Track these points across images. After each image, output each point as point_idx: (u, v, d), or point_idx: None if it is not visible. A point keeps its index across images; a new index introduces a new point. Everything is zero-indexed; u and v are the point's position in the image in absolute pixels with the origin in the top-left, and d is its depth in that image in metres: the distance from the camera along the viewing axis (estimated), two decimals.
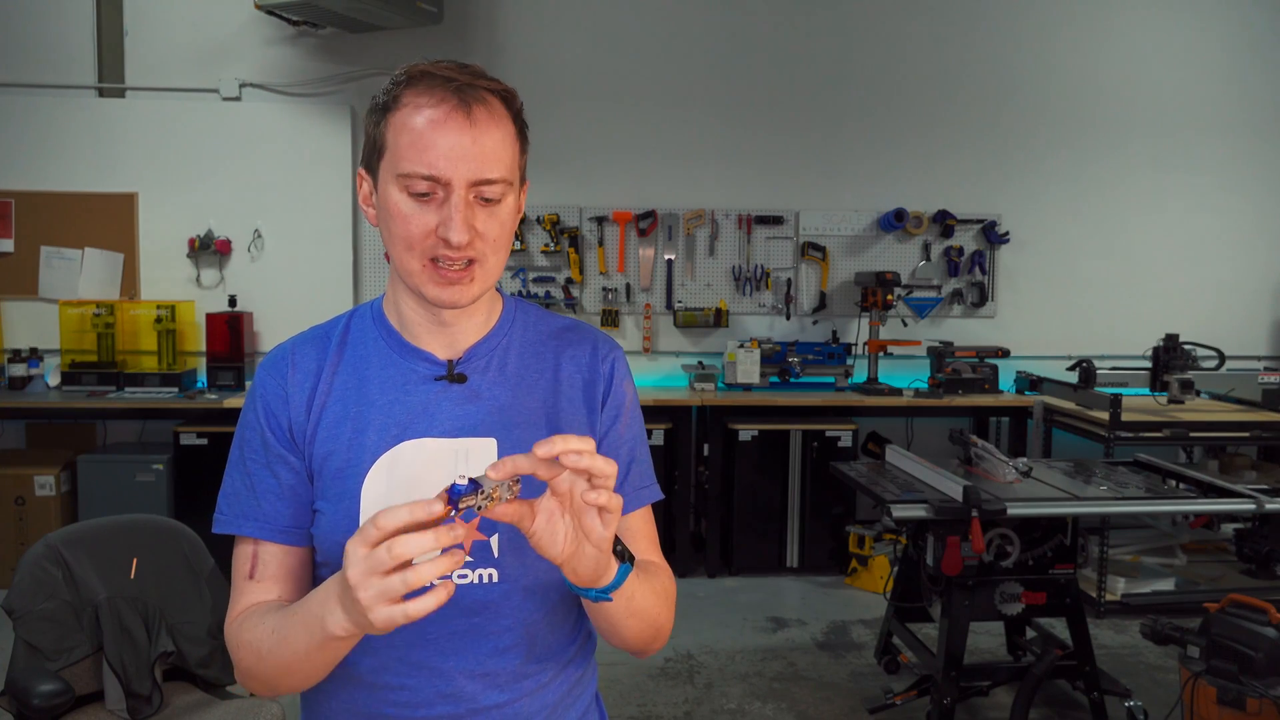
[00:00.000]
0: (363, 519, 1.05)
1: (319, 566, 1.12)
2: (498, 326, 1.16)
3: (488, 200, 1.04)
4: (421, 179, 1.01)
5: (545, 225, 5.04)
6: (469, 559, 1.07)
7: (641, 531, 1.20)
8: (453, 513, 0.84)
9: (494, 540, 1.08)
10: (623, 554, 0.99)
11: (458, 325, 1.12)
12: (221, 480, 1.13)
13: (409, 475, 1.06)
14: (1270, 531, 4.13)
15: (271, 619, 1.03)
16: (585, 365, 1.17)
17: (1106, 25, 5.34)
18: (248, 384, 4.67)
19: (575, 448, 0.87)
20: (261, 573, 1.09)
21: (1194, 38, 5.38)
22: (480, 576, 1.08)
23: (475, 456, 1.01)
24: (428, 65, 1.04)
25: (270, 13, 4.57)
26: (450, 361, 1.12)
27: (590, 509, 0.91)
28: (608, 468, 0.89)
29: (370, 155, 1.07)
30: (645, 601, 1.07)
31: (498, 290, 1.20)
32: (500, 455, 1.08)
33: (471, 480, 0.86)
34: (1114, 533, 4.44)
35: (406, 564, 0.83)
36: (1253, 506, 2.96)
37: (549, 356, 1.17)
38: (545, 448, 0.86)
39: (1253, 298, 5.50)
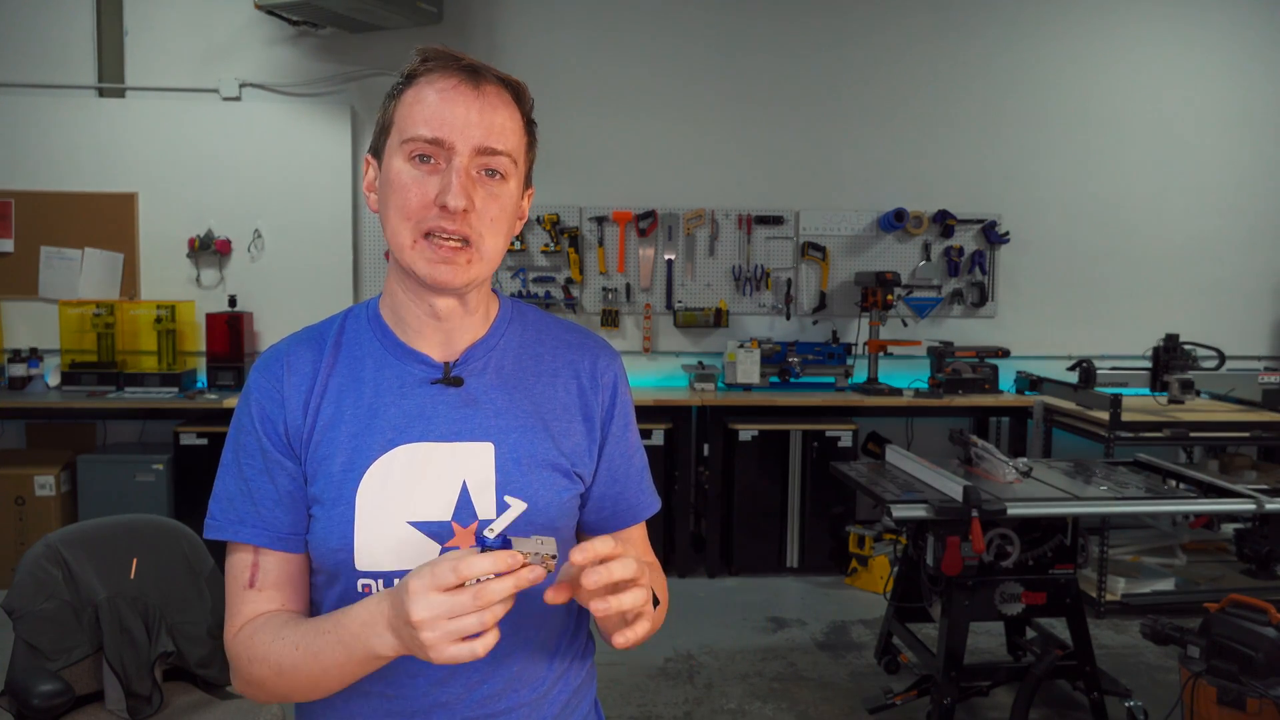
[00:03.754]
0: (358, 524, 1.04)
1: (313, 573, 1.11)
2: (495, 327, 1.14)
3: (490, 175, 1.03)
4: (425, 142, 1.01)
5: (545, 225, 5.04)
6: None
7: (638, 539, 1.23)
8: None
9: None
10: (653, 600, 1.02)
11: (454, 321, 1.10)
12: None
13: (404, 481, 1.05)
14: (1270, 531, 4.12)
15: (292, 633, 1.01)
16: (586, 373, 1.16)
17: (1106, 25, 5.34)
18: None
19: (602, 553, 0.91)
20: (263, 581, 1.07)
21: (1193, 38, 5.38)
22: (508, 507, 1.07)
23: (513, 509, 1.01)
24: (441, 47, 1.05)
25: (270, 13, 4.58)
26: (447, 364, 1.10)
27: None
28: (627, 571, 0.92)
29: (378, 137, 1.08)
30: (656, 618, 1.09)
31: (495, 292, 1.18)
32: (497, 460, 1.08)
33: (502, 536, 0.91)
34: (1114, 533, 4.45)
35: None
36: (1253, 506, 2.96)
37: (547, 360, 1.15)
38: (581, 555, 0.91)
39: (1253, 298, 5.50)
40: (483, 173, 1.03)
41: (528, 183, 1.13)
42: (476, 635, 0.87)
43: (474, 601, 0.85)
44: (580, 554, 0.90)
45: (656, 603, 1.03)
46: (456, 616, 0.86)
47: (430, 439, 1.06)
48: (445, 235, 1.02)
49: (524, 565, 0.88)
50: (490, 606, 0.86)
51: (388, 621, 0.92)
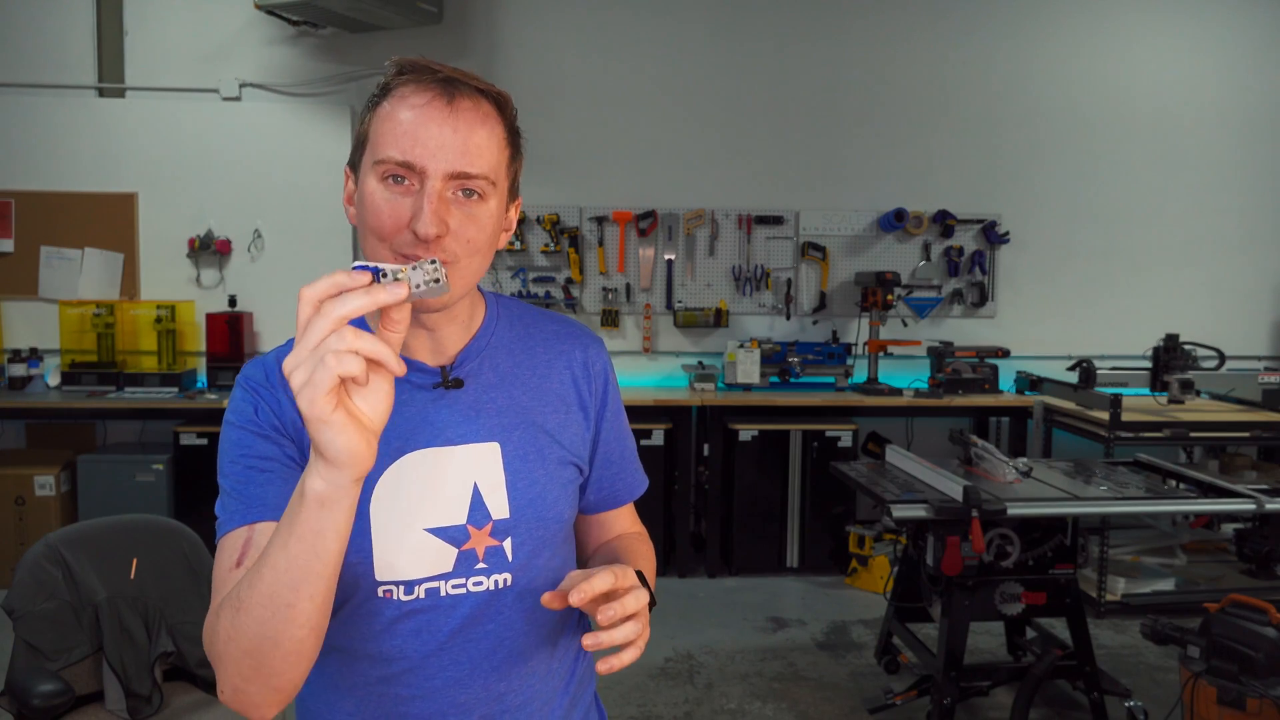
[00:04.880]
0: (375, 535, 1.03)
1: None
2: (484, 327, 1.14)
3: (468, 195, 0.99)
4: (396, 164, 0.97)
5: (545, 225, 5.04)
6: (483, 565, 1.06)
7: (626, 511, 1.27)
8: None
9: (507, 544, 1.07)
10: (650, 603, 1.02)
11: (440, 331, 1.08)
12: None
13: (415, 489, 1.04)
14: (1270, 531, 4.12)
15: (258, 563, 0.88)
16: (579, 364, 1.18)
17: (1106, 25, 5.34)
18: None
19: (601, 590, 0.93)
20: (253, 557, 0.96)
21: (1193, 38, 5.38)
22: (496, 582, 1.07)
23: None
24: (417, 59, 1.01)
25: (270, 13, 4.58)
26: (444, 368, 1.09)
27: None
28: (637, 605, 0.95)
29: (355, 150, 1.04)
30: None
31: (478, 289, 1.16)
32: (505, 458, 1.08)
33: (374, 266, 0.80)
34: (1114, 533, 4.45)
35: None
36: (1253, 506, 2.95)
37: (540, 354, 1.16)
38: (578, 597, 0.92)
39: (1253, 298, 5.50)
40: (459, 193, 0.99)
41: (514, 194, 1.10)
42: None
43: (326, 319, 0.75)
44: (578, 595, 0.91)
45: (653, 604, 1.04)
46: (316, 344, 0.75)
47: (437, 444, 1.06)
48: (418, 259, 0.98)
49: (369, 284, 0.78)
50: (339, 319, 0.75)
51: (311, 462, 0.82)
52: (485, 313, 1.15)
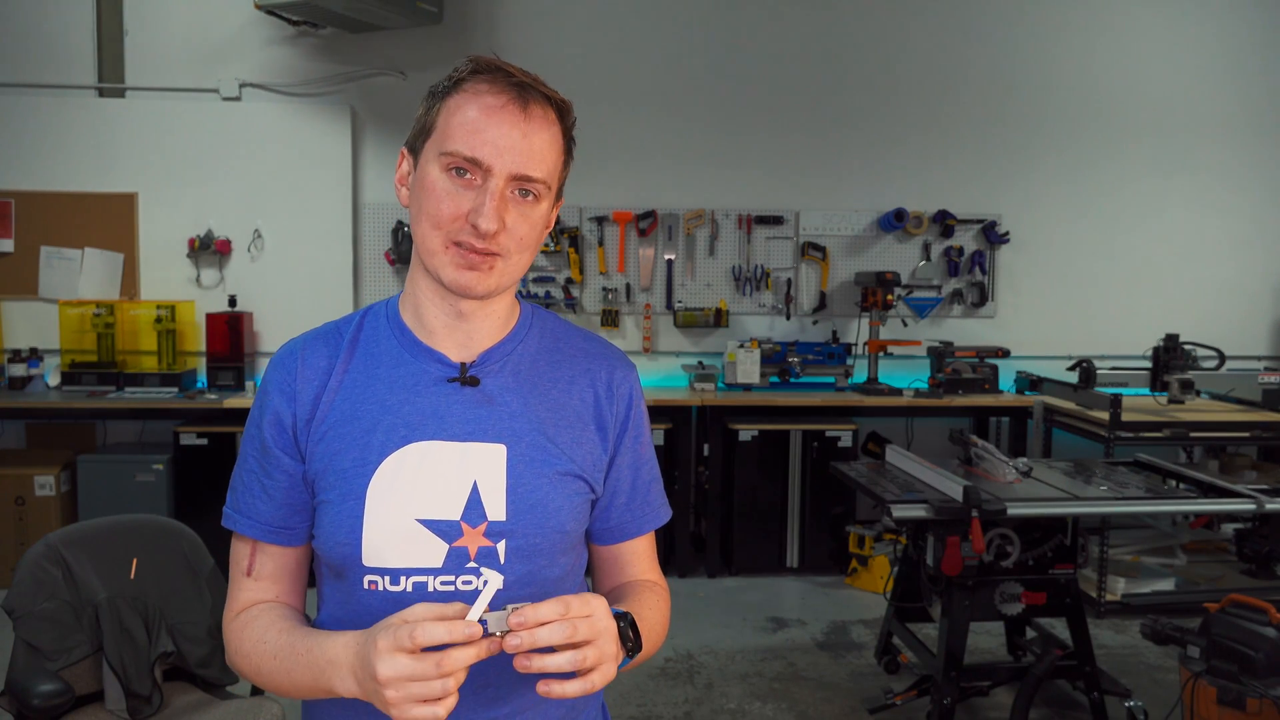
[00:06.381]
0: (367, 519, 1.05)
1: (319, 566, 1.13)
2: (514, 331, 1.15)
3: (524, 195, 1.04)
4: (463, 159, 1.01)
5: None
6: (473, 564, 1.07)
7: (645, 553, 1.24)
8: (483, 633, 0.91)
9: (501, 547, 1.07)
10: (631, 649, 1.04)
11: (475, 323, 1.11)
12: (230, 474, 1.16)
13: (415, 479, 1.05)
14: (1270, 531, 4.13)
15: (274, 641, 1.04)
16: (603, 383, 1.17)
17: (1107, 25, 5.34)
18: (248, 384, 4.70)
19: (544, 619, 0.92)
20: (259, 572, 1.12)
21: (1194, 38, 5.38)
22: (485, 582, 1.07)
23: (490, 585, 0.96)
24: (492, 58, 1.05)
25: (270, 13, 4.57)
26: (463, 364, 1.10)
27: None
28: (554, 637, 0.92)
29: (417, 135, 1.08)
30: (643, 649, 1.10)
31: (516, 297, 1.19)
32: (509, 462, 1.08)
33: (482, 620, 0.91)
34: (1114, 533, 4.45)
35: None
36: (1253, 506, 2.96)
37: (564, 367, 1.16)
38: (517, 618, 0.91)
39: (1253, 298, 5.50)
40: (516, 193, 1.04)
41: (558, 195, 1.14)
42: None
43: (436, 669, 0.88)
44: (517, 618, 0.91)
45: (637, 650, 1.05)
46: (419, 680, 0.88)
47: (443, 437, 1.07)
48: (473, 249, 1.03)
49: (485, 636, 0.90)
50: (451, 674, 0.88)
51: (351, 668, 0.94)
52: (518, 319, 1.17)
